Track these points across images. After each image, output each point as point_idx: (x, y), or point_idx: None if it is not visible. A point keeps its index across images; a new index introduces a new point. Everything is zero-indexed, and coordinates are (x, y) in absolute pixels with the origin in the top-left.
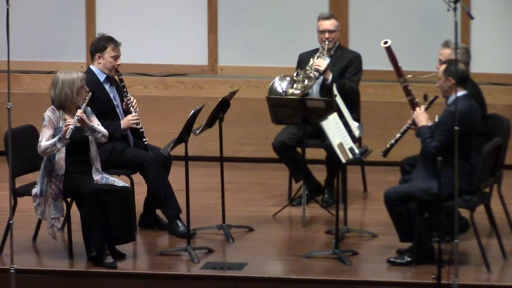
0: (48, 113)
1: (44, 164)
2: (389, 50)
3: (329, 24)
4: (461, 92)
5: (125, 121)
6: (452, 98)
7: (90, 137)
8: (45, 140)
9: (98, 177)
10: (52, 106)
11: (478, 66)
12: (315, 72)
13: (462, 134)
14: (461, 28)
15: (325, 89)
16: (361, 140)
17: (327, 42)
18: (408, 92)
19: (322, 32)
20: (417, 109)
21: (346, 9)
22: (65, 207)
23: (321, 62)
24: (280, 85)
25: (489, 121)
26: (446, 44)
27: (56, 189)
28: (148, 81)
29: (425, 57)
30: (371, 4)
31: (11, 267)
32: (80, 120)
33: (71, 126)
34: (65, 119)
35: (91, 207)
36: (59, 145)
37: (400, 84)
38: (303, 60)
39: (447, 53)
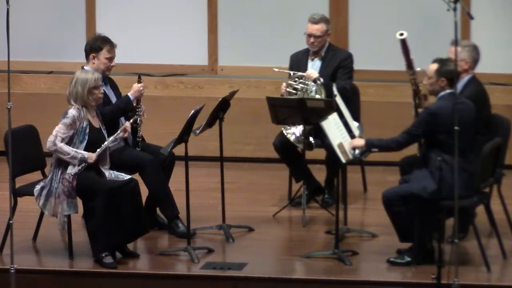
0: (73, 111)
1: (57, 161)
2: (403, 42)
3: (315, 29)
4: (448, 90)
5: (134, 90)
6: (439, 96)
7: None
8: (60, 138)
9: (107, 173)
10: (77, 106)
11: (478, 66)
12: (311, 82)
13: (448, 131)
14: (461, 28)
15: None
16: None
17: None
18: (415, 85)
19: (308, 35)
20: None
21: (346, 9)
22: (78, 204)
23: (312, 72)
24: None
25: (492, 123)
26: (453, 43)
27: (70, 186)
28: (148, 81)
29: (425, 57)
30: (371, 4)
31: (11, 267)
32: (124, 131)
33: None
34: (88, 119)
35: (106, 206)
36: (75, 163)
37: (409, 75)
38: (294, 62)
39: (453, 51)
